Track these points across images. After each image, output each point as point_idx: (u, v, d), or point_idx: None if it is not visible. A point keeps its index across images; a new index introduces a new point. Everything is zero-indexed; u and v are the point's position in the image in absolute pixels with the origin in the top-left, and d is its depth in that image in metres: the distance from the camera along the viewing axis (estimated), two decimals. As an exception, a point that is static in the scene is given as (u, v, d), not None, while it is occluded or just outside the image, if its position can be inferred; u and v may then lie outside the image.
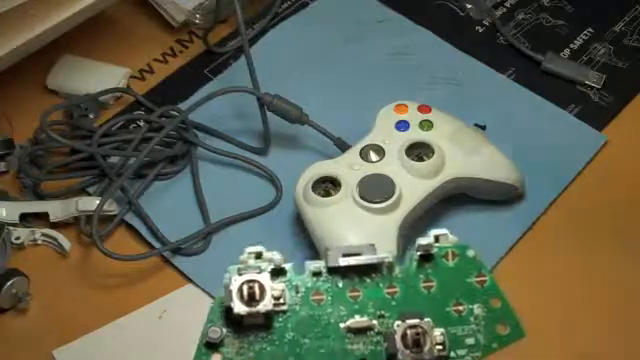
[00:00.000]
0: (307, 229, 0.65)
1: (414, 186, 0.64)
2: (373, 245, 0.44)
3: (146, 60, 0.80)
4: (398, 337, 0.42)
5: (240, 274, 0.43)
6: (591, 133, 0.74)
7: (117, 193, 0.69)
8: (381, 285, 0.44)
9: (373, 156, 0.66)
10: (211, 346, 0.43)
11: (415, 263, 0.45)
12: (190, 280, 0.67)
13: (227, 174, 0.72)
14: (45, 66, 0.77)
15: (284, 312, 0.43)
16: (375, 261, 0.44)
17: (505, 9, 0.83)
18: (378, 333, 0.44)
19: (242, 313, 0.42)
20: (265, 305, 0.42)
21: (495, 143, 0.69)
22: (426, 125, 0.68)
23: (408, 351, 0.42)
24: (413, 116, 0.68)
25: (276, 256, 0.44)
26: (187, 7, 0.80)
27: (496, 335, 0.44)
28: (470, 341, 0.44)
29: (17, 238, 0.68)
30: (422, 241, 0.45)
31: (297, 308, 0.44)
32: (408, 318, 0.43)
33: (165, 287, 0.66)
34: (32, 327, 0.65)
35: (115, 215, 0.68)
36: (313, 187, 0.65)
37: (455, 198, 0.68)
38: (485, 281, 0.45)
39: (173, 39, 0.81)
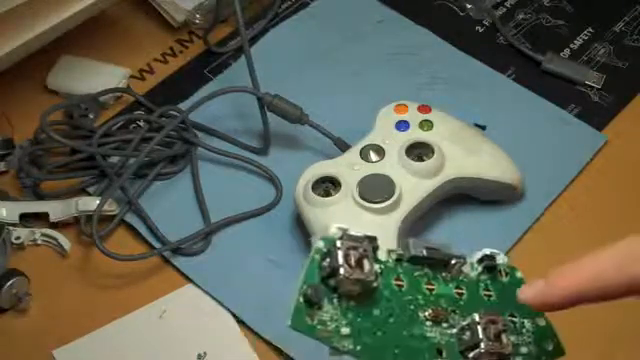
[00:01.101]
0: (307, 229, 0.65)
1: (414, 186, 0.64)
2: (449, 244, 0.45)
3: (146, 60, 0.80)
4: (481, 328, 0.43)
5: (346, 239, 0.42)
6: (591, 133, 0.74)
7: (117, 193, 0.69)
8: (450, 285, 0.45)
9: (373, 156, 0.66)
10: (309, 305, 0.41)
11: (477, 271, 0.46)
12: (190, 280, 0.67)
13: (227, 174, 0.72)
14: (45, 66, 0.77)
15: (375, 289, 0.43)
16: (454, 259, 0.45)
17: (505, 9, 0.83)
18: (451, 326, 0.44)
19: (349, 277, 0.41)
20: (370, 273, 0.42)
21: (495, 143, 0.69)
22: (426, 125, 0.68)
23: (491, 343, 0.43)
24: (413, 116, 0.68)
25: (369, 233, 0.43)
26: (187, 7, 0.80)
27: (543, 350, 0.45)
28: (524, 350, 0.44)
29: (17, 238, 0.68)
30: (488, 252, 0.47)
31: (382, 288, 0.43)
32: (486, 315, 0.43)
33: (165, 287, 0.66)
34: (32, 327, 0.65)
35: (115, 215, 0.68)
36: (313, 187, 0.65)
37: (455, 198, 0.68)
38: None
39: (173, 39, 0.81)
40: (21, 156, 0.71)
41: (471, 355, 0.43)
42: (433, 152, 0.65)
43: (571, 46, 0.80)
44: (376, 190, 0.64)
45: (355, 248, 0.42)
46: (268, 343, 0.64)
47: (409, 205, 0.64)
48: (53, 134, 0.67)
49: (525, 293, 0.42)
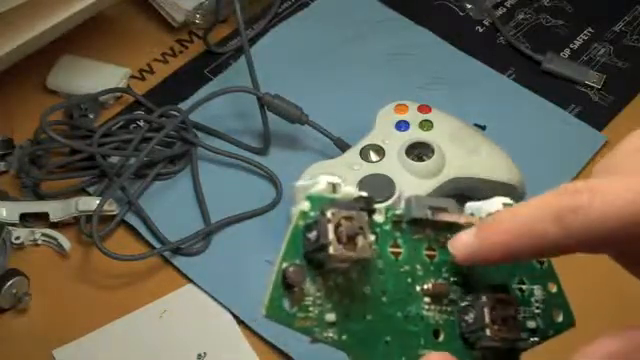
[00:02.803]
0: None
1: (414, 186, 0.64)
2: (455, 201, 0.39)
3: (146, 60, 0.80)
4: (488, 310, 0.37)
5: (336, 207, 0.35)
6: (591, 133, 0.74)
7: (117, 193, 0.69)
8: None
9: (373, 156, 0.66)
10: (288, 288, 0.35)
11: None
12: (190, 280, 0.67)
13: (227, 174, 0.72)
14: (45, 66, 0.77)
15: (367, 261, 0.36)
16: (464, 221, 0.39)
17: (505, 9, 0.83)
18: (452, 302, 0.38)
19: (339, 256, 0.35)
20: (364, 250, 0.35)
21: (495, 143, 0.69)
22: (426, 125, 0.68)
23: (497, 327, 0.37)
24: (413, 116, 0.68)
25: (363, 193, 0.37)
26: (187, 7, 0.80)
27: (552, 321, 0.40)
28: (532, 324, 0.39)
29: (17, 238, 0.68)
30: (505, 201, 0.41)
31: (376, 259, 0.37)
32: (494, 291, 0.38)
33: (165, 287, 0.66)
34: (32, 327, 0.65)
35: (115, 215, 0.68)
36: (313, 187, 0.65)
37: (455, 198, 0.68)
38: (544, 262, 0.41)
39: (173, 39, 0.81)
40: (21, 156, 0.71)
41: (472, 339, 0.38)
42: (433, 152, 0.65)
43: (571, 46, 0.80)
44: (376, 190, 0.64)
45: (349, 218, 0.35)
46: (268, 343, 0.64)
47: (409, 205, 0.64)
48: (53, 134, 0.67)
49: (454, 246, 0.37)
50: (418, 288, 0.38)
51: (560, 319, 0.40)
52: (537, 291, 0.40)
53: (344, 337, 0.36)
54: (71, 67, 0.77)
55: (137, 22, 0.82)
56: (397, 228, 0.38)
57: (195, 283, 0.67)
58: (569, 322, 0.41)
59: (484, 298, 0.37)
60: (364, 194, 0.37)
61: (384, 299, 0.37)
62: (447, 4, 0.83)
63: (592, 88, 0.77)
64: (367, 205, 0.36)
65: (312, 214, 0.35)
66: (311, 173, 0.66)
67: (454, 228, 0.39)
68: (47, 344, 0.64)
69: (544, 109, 0.76)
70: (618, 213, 0.34)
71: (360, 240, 0.35)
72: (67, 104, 0.75)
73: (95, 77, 0.76)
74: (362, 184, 0.64)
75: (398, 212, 0.38)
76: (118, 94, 0.76)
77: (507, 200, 0.41)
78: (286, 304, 0.35)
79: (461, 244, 0.36)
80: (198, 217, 0.70)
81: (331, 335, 0.36)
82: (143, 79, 0.79)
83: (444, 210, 0.38)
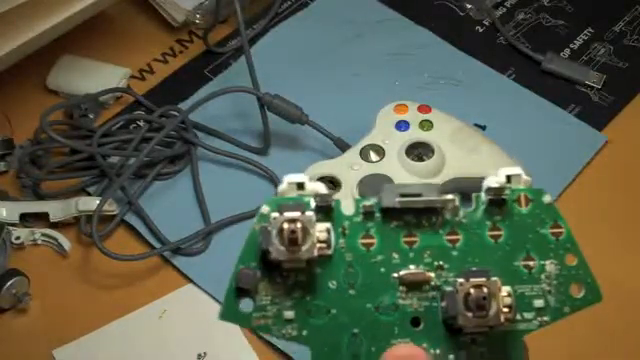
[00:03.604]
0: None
1: (414, 186, 0.64)
2: (435, 185, 0.38)
3: (146, 60, 0.80)
4: (460, 298, 0.36)
5: (280, 211, 0.36)
6: (591, 133, 0.74)
7: (117, 193, 0.69)
8: (441, 231, 0.38)
9: (373, 156, 0.66)
10: (242, 292, 0.36)
11: (483, 207, 0.39)
12: (190, 280, 0.67)
13: (227, 174, 0.72)
14: (45, 66, 0.77)
15: (329, 257, 0.37)
16: (438, 204, 0.38)
17: (505, 9, 0.83)
18: (434, 288, 0.37)
19: (282, 259, 0.36)
20: (308, 251, 0.36)
21: (495, 143, 0.69)
22: (426, 125, 0.68)
23: (471, 315, 0.36)
24: (413, 116, 0.68)
25: (322, 189, 0.37)
26: (187, 7, 0.80)
27: (569, 297, 0.38)
28: (539, 303, 0.37)
29: (17, 238, 0.68)
30: (492, 182, 0.39)
31: (343, 253, 0.37)
32: (472, 276, 0.36)
33: (165, 287, 0.66)
34: (32, 327, 0.65)
35: (115, 215, 0.68)
36: (313, 187, 0.65)
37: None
38: (561, 233, 0.38)
39: (173, 39, 0.81)
40: (21, 156, 0.71)
41: (456, 325, 0.36)
42: (433, 152, 0.65)
43: (571, 46, 0.80)
44: (376, 190, 0.64)
45: (293, 221, 0.36)
46: (268, 343, 0.64)
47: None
48: (53, 134, 0.67)
49: None
50: (395, 276, 0.37)
51: (582, 294, 0.38)
52: (549, 266, 0.38)
53: (304, 332, 0.36)
54: (71, 67, 0.77)
55: (137, 22, 0.82)
56: (369, 218, 0.38)
57: (195, 283, 0.67)
58: (593, 297, 0.38)
59: (458, 285, 0.36)
60: (323, 191, 0.37)
61: (351, 292, 0.37)
62: (447, 4, 0.83)
63: (592, 88, 0.77)
64: (322, 201, 0.37)
65: (270, 217, 0.36)
66: (311, 173, 0.66)
67: (440, 212, 0.38)
68: (47, 344, 0.64)
69: (544, 109, 0.76)
70: None
71: (305, 240, 0.36)
72: (67, 104, 0.75)
73: (95, 77, 0.77)
74: (362, 184, 0.64)
75: (368, 203, 0.38)
76: (118, 94, 0.76)
77: (515, 170, 0.39)
78: (241, 306, 0.36)
79: None
80: (198, 217, 0.70)
81: (290, 332, 0.36)
82: (143, 79, 0.79)
83: (417, 196, 0.38)
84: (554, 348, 0.63)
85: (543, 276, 0.38)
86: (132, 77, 0.78)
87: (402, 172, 0.65)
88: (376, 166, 0.66)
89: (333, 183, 0.65)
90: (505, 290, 0.37)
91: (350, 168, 0.66)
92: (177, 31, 0.81)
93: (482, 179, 0.69)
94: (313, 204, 0.37)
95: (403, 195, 0.37)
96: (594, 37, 0.81)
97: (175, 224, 0.69)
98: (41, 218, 0.69)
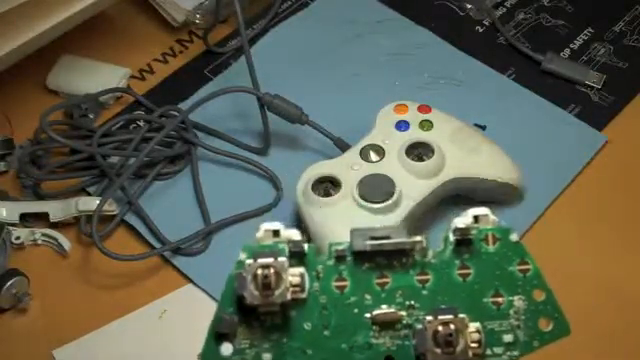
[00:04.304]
0: (307, 229, 0.65)
1: (414, 186, 0.64)
2: (402, 227, 0.40)
3: (146, 60, 0.80)
4: (429, 335, 0.38)
5: (255, 258, 0.38)
6: (591, 133, 0.74)
7: (117, 193, 0.69)
8: (411, 272, 0.39)
9: (373, 156, 0.66)
10: (222, 337, 0.38)
11: (451, 247, 0.40)
12: (190, 280, 0.67)
13: (227, 174, 0.72)
14: (45, 66, 0.77)
15: (303, 300, 0.38)
16: (407, 246, 0.39)
17: (505, 9, 0.83)
18: (406, 326, 0.39)
19: (256, 303, 0.38)
20: (281, 295, 0.37)
21: (495, 143, 0.69)
22: (426, 125, 0.68)
23: (439, 351, 0.37)
24: (413, 116, 0.68)
25: (296, 235, 0.39)
26: (187, 7, 0.80)
27: (538, 331, 0.39)
28: (508, 338, 0.39)
29: (17, 238, 0.68)
30: (459, 223, 0.40)
31: (317, 296, 0.39)
32: (440, 314, 0.38)
33: (165, 287, 0.66)
34: (32, 327, 0.65)
35: (115, 215, 0.68)
36: (313, 187, 0.65)
37: (455, 198, 0.68)
38: (528, 270, 0.40)
39: (173, 39, 0.81)
40: (21, 156, 0.71)
41: None
42: (433, 152, 0.65)
43: (571, 46, 0.80)
44: (376, 190, 0.64)
45: (267, 267, 0.38)
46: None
47: (409, 205, 0.64)
48: (53, 134, 0.67)
49: None
50: (367, 316, 0.39)
51: (550, 328, 0.40)
52: (518, 302, 0.39)
53: None
54: (71, 67, 0.77)
55: (137, 22, 0.82)
56: (342, 262, 0.39)
57: (195, 283, 0.67)
58: (562, 331, 0.40)
59: (426, 323, 0.38)
60: (295, 237, 0.39)
61: (326, 332, 0.38)
62: (447, 4, 0.83)
63: (592, 88, 0.77)
64: (295, 247, 0.39)
65: (246, 263, 0.38)
66: (311, 173, 0.66)
67: (409, 253, 0.39)
68: (47, 344, 0.64)
69: (544, 109, 0.76)
70: None
71: (279, 284, 0.37)
72: (67, 104, 0.75)
73: (95, 77, 0.77)
74: (362, 184, 0.64)
75: (340, 247, 0.39)
76: (118, 94, 0.76)
77: (482, 210, 0.41)
78: (221, 350, 0.38)
79: None
80: (198, 217, 0.70)
81: None
82: (143, 79, 0.79)
83: (386, 238, 0.39)
84: (554, 348, 0.63)
85: (512, 312, 0.39)
86: (132, 77, 0.78)
87: (402, 172, 0.65)
88: (376, 166, 0.66)
89: (333, 183, 0.65)
90: (473, 326, 0.38)
91: (350, 168, 0.66)
92: (177, 31, 0.81)
93: (482, 179, 0.69)
94: (287, 250, 0.39)
95: (373, 238, 0.39)
96: (594, 37, 0.81)
97: (175, 224, 0.69)
98: (41, 218, 0.69)
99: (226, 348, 0.38)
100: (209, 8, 0.80)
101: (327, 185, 0.65)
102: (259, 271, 0.38)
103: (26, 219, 0.69)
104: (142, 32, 0.82)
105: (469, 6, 0.83)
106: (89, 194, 0.70)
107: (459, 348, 0.37)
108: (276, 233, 0.39)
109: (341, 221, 0.63)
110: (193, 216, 0.70)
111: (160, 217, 0.69)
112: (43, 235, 0.68)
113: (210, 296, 0.66)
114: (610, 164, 0.72)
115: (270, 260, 0.38)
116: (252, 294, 0.37)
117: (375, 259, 0.39)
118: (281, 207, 0.70)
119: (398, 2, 0.83)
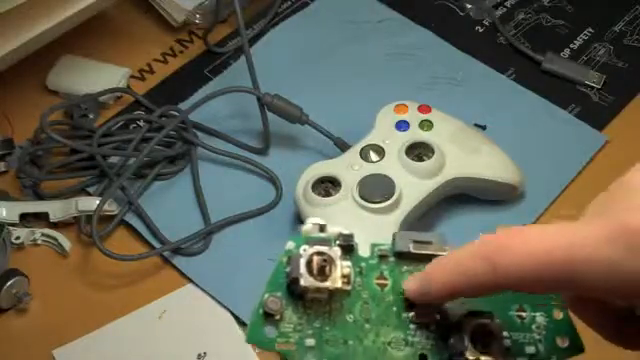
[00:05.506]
0: (307, 229, 0.65)
1: (414, 186, 0.64)
2: (443, 235, 0.41)
3: (146, 60, 0.80)
4: (467, 335, 0.39)
5: (309, 244, 0.39)
6: (591, 133, 0.74)
7: (117, 193, 0.69)
8: None
9: (373, 156, 0.66)
10: (269, 317, 0.39)
11: None
12: (190, 280, 0.67)
13: (227, 174, 0.72)
14: (45, 66, 0.77)
15: (347, 292, 0.40)
16: (444, 254, 0.41)
17: (505, 9, 0.83)
18: (440, 327, 0.40)
19: (310, 287, 0.38)
20: (334, 281, 0.39)
21: (495, 143, 0.69)
22: (426, 125, 0.68)
23: (478, 352, 0.39)
24: (413, 116, 0.68)
25: (344, 231, 0.40)
26: (187, 7, 0.80)
27: (555, 347, 0.41)
28: (531, 350, 0.41)
29: (17, 238, 0.68)
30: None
31: (360, 290, 0.40)
32: (477, 316, 0.40)
33: (165, 287, 0.66)
34: (32, 327, 0.65)
35: (115, 215, 0.68)
36: (313, 187, 0.65)
37: (455, 198, 0.68)
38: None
39: (173, 39, 0.81)
40: (21, 156, 0.71)
41: None
42: (433, 152, 0.65)
43: (571, 46, 0.80)
44: (376, 190, 0.64)
45: (321, 253, 0.39)
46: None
47: (409, 205, 0.64)
48: (53, 134, 0.68)
49: (408, 285, 0.40)
50: (404, 316, 0.40)
51: (565, 345, 0.42)
52: (539, 318, 0.42)
53: None
54: (71, 67, 0.77)
55: (137, 22, 0.82)
56: (384, 261, 0.41)
57: (195, 283, 0.67)
58: (576, 348, 0.42)
59: (464, 323, 0.39)
60: (345, 232, 0.40)
61: (367, 326, 0.40)
62: (447, 4, 0.83)
63: (592, 88, 0.77)
64: (345, 241, 0.40)
65: (295, 252, 0.39)
66: (311, 173, 0.66)
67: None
68: (47, 344, 0.64)
69: (544, 109, 0.76)
70: (531, 260, 0.36)
71: (331, 272, 0.39)
72: (67, 104, 0.75)
73: (95, 77, 0.77)
74: (362, 184, 0.64)
75: (383, 247, 0.41)
76: (118, 94, 0.76)
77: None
78: (266, 330, 0.39)
79: (413, 284, 0.40)
80: (198, 217, 0.70)
81: (310, 357, 0.39)
82: (143, 79, 0.79)
83: (428, 243, 0.41)
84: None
85: (534, 326, 0.41)
86: (132, 77, 0.78)
87: (402, 172, 0.65)
88: (376, 166, 0.66)
89: (333, 183, 0.65)
90: (504, 334, 0.40)
91: (350, 168, 0.66)
92: (177, 31, 0.81)
93: (482, 179, 0.69)
94: (337, 242, 0.40)
95: (416, 242, 0.41)
96: (594, 37, 0.81)
97: (175, 224, 0.69)
98: (41, 218, 0.69)
99: (270, 330, 0.39)
100: (209, 8, 0.80)
101: (327, 185, 0.65)
102: (315, 257, 0.39)
103: (26, 219, 0.69)
104: (142, 32, 0.82)
105: (469, 6, 0.83)
106: (89, 194, 0.70)
107: (495, 350, 0.39)
108: (322, 228, 0.40)
109: (341, 221, 0.63)
110: (193, 216, 0.70)
111: (160, 217, 0.69)
112: (43, 235, 0.68)
113: (210, 296, 0.66)
114: (610, 164, 0.72)
115: (325, 248, 0.39)
116: (307, 278, 0.39)
117: (416, 262, 0.41)
118: (281, 207, 0.70)
119: (398, 2, 0.83)
